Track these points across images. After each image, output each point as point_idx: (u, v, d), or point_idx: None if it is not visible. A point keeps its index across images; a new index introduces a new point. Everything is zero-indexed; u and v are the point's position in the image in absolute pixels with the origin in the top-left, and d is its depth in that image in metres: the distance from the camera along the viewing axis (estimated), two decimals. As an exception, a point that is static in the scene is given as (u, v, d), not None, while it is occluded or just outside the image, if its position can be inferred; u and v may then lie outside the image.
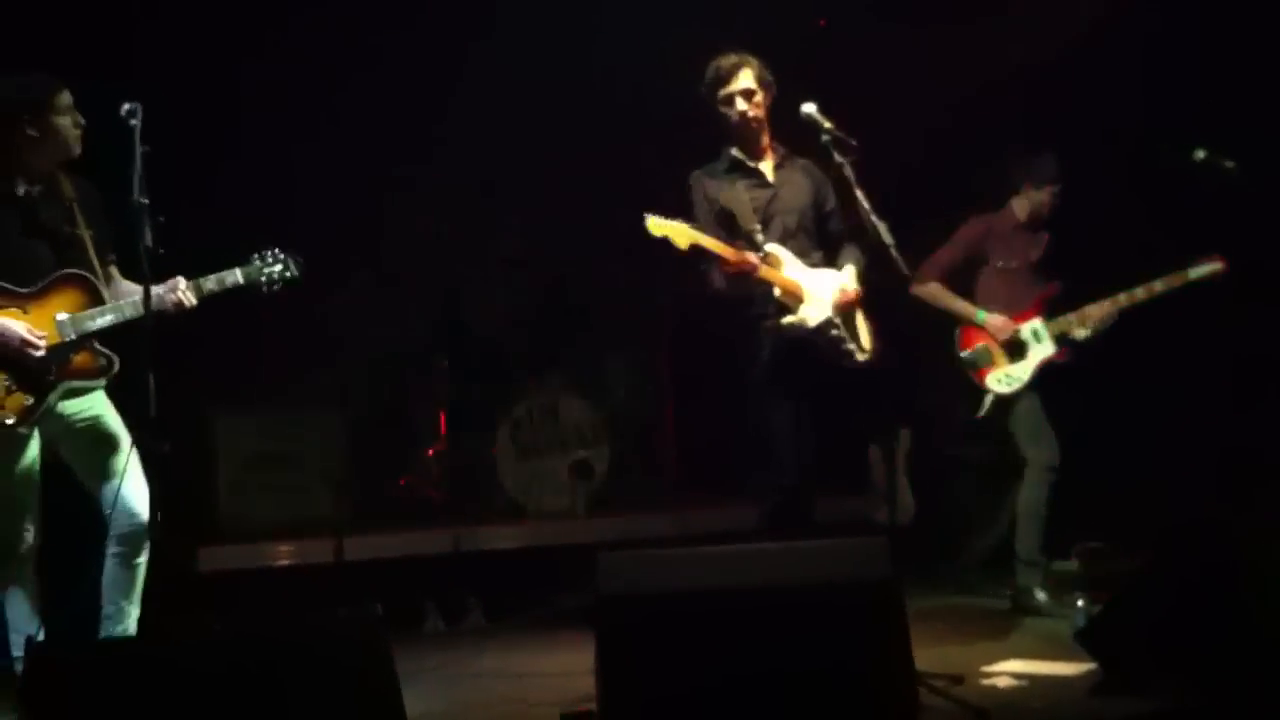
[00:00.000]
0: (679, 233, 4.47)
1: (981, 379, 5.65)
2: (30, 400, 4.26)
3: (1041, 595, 5.53)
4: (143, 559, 4.38)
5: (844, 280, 4.78)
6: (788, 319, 4.63)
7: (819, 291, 4.71)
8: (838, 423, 5.04)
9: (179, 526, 4.98)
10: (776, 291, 4.66)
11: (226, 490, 6.46)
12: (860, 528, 5.79)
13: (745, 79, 4.77)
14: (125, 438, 4.42)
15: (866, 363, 4.76)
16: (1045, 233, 5.77)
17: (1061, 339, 5.62)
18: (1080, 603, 5.29)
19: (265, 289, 4.65)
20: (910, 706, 3.72)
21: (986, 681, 4.44)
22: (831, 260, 4.87)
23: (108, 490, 4.36)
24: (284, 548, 6.19)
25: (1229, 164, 5.39)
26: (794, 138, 4.87)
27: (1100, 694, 4.21)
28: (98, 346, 4.39)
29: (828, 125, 4.53)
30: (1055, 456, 5.55)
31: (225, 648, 3.30)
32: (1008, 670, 4.57)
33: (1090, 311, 5.60)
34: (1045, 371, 5.61)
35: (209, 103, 6.59)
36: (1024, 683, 4.43)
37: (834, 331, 4.69)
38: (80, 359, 4.35)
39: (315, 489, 6.54)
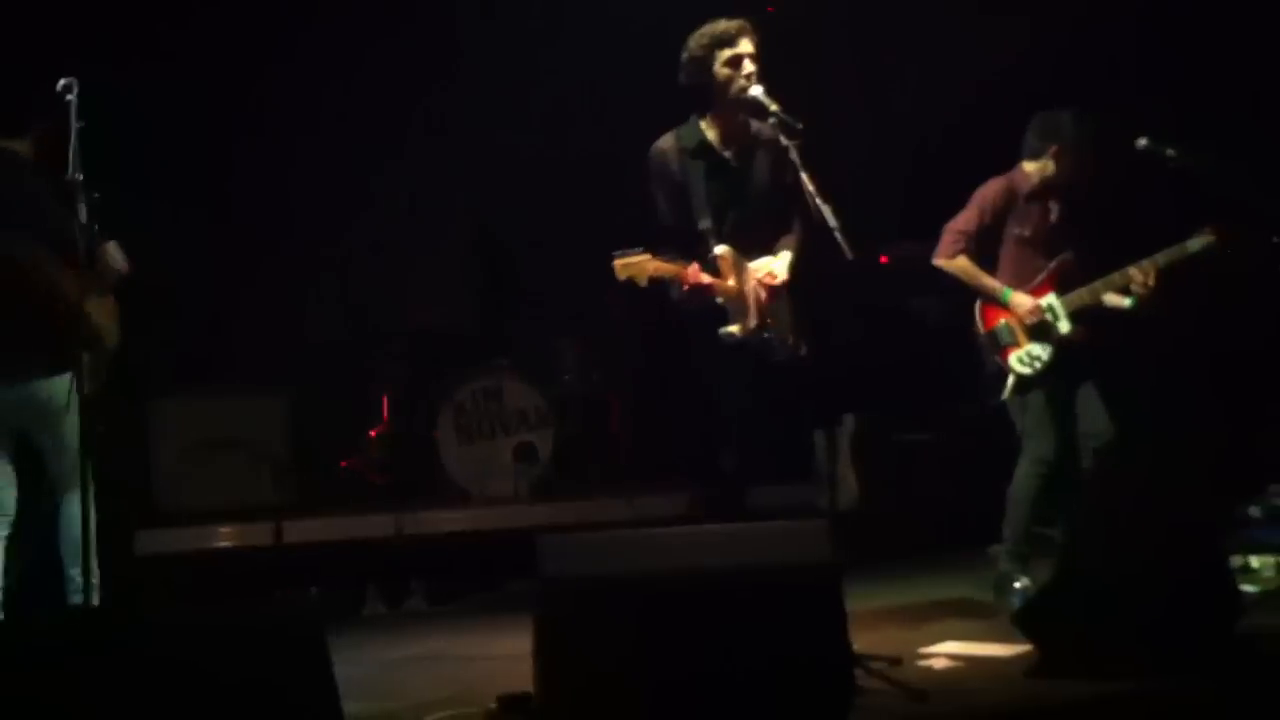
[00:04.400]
0: (641, 269, 4.39)
1: (1004, 359, 5.36)
2: None
3: (1022, 582, 5.34)
4: None
5: (773, 267, 4.67)
6: (724, 330, 4.54)
7: (754, 294, 4.64)
8: (784, 410, 5.01)
9: (117, 509, 4.94)
10: (719, 299, 4.56)
11: (165, 472, 6.40)
12: (800, 513, 5.77)
13: (749, 43, 4.58)
14: None
15: (793, 356, 4.69)
16: (1056, 199, 5.47)
17: (1078, 315, 5.35)
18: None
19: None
20: (847, 688, 3.73)
21: (924, 663, 4.46)
22: (772, 245, 4.79)
23: None
24: (223, 530, 6.14)
25: (1170, 152, 5.37)
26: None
27: (1035, 676, 4.23)
28: None
29: (774, 108, 4.48)
30: (1052, 452, 5.36)
31: (154, 633, 3.25)
32: (945, 652, 4.60)
33: (1098, 287, 5.36)
34: (1066, 353, 5.34)
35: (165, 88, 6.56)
36: (960, 664, 4.46)
37: (765, 335, 4.64)
38: None
39: (255, 471, 6.48)
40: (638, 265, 4.40)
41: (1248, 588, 5.16)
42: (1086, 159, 5.42)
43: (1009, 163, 5.57)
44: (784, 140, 4.46)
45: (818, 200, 4.35)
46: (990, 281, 5.44)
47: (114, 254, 4.58)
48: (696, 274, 4.50)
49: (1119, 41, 7.14)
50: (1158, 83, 6.71)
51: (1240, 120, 6.51)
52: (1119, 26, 7.11)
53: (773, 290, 4.65)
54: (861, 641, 4.17)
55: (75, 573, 4.49)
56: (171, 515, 6.29)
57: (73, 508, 4.59)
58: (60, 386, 4.43)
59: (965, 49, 7.18)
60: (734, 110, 4.67)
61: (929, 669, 4.40)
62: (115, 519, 4.86)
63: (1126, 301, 5.42)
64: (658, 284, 4.49)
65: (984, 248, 5.48)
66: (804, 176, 4.39)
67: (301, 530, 6.18)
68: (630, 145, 4.98)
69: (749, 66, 4.57)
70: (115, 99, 4.28)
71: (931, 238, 5.62)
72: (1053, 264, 5.44)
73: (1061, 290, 5.42)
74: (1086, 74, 6.72)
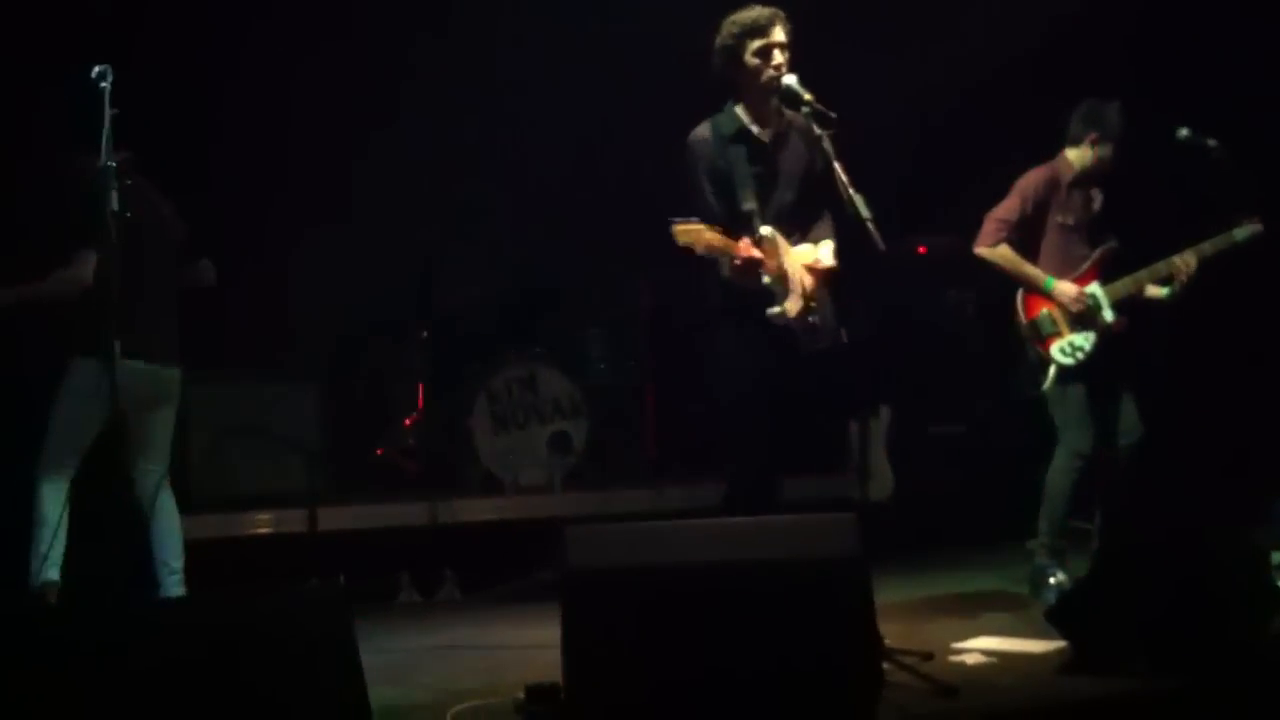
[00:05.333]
0: (699, 237, 4.34)
1: (1045, 349, 5.32)
2: None
3: (1057, 577, 5.32)
4: None
5: (820, 255, 4.65)
6: (772, 311, 4.49)
7: (799, 277, 4.61)
8: (818, 400, 4.97)
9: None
10: (766, 279, 4.50)
11: (200, 459, 6.41)
12: (834, 504, 5.74)
13: (781, 32, 4.55)
14: None
15: (836, 343, 4.65)
16: (1098, 187, 5.45)
17: (1120, 306, 5.33)
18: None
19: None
20: (874, 682, 3.70)
21: (955, 659, 4.42)
22: (809, 231, 4.76)
23: None
24: (258, 517, 6.16)
25: (1211, 143, 5.32)
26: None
27: (1068, 673, 4.20)
28: None
29: (808, 97, 4.45)
30: (1089, 445, 5.30)
31: (179, 619, 3.27)
32: (978, 647, 4.55)
33: (1141, 276, 5.35)
34: (1106, 343, 5.32)
35: (186, 68, 6.56)
36: (993, 660, 4.41)
37: (811, 318, 4.60)
38: None
39: (290, 459, 6.49)
40: (695, 233, 4.35)
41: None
42: (1116, 153, 5.39)
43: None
44: (817, 130, 4.43)
45: (851, 191, 4.31)
46: (1032, 270, 5.39)
47: (208, 269, 5.17)
48: (749, 248, 4.44)
49: (1119, 41, 7.05)
50: (1158, 82, 6.61)
51: (1240, 120, 6.39)
52: (1119, 24, 7.03)
53: (818, 276, 4.61)
54: (893, 635, 4.14)
55: (178, 564, 4.71)
56: (206, 502, 6.31)
57: (168, 501, 4.91)
58: (174, 375, 4.98)
59: (965, 47, 7.12)
60: (766, 98, 4.63)
61: (961, 664, 4.37)
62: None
63: (1163, 291, 5.37)
64: (710, 255, 4.42)
65: (1024, 236, 5.43)
66: (837, 167, 4.35)
67: (336, 518, 6.21)
68: (663, 134, 4.96)
69: (779, 57, 4.54)
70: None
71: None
72: (1096, 253, 5.41)
73: (1105, 279, 5.37)
74: (1086, 74, 6.65)
